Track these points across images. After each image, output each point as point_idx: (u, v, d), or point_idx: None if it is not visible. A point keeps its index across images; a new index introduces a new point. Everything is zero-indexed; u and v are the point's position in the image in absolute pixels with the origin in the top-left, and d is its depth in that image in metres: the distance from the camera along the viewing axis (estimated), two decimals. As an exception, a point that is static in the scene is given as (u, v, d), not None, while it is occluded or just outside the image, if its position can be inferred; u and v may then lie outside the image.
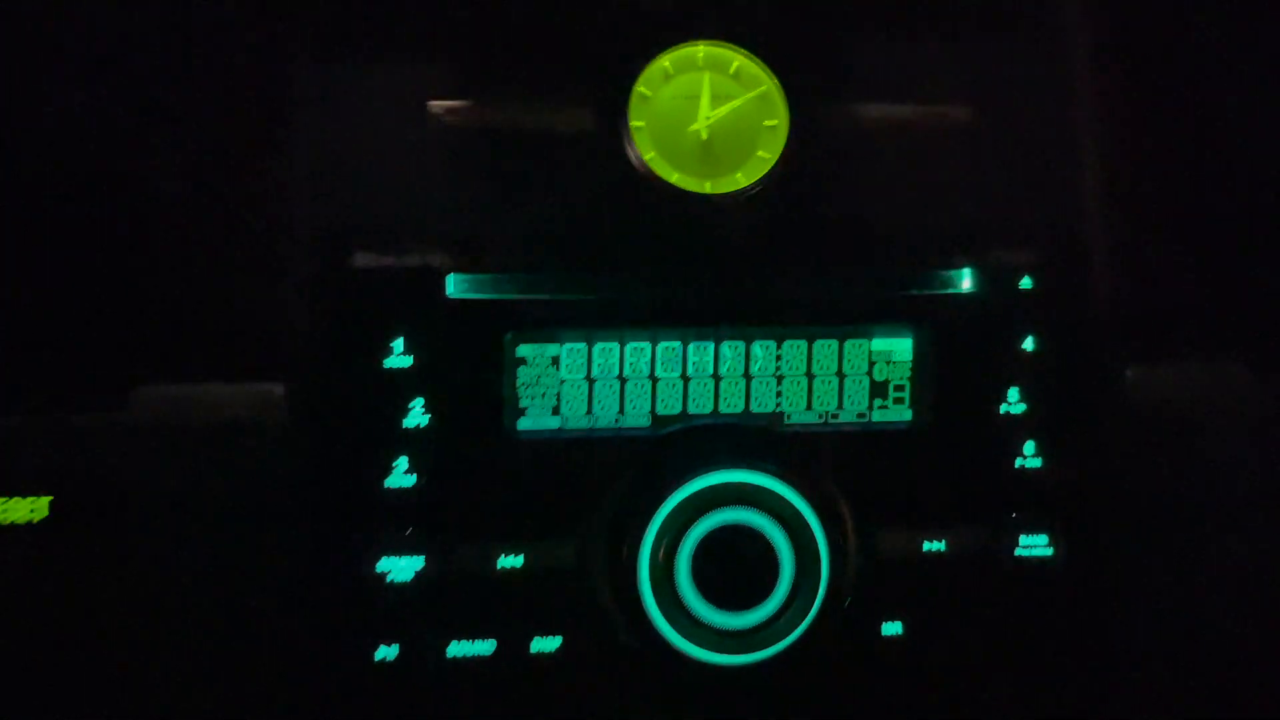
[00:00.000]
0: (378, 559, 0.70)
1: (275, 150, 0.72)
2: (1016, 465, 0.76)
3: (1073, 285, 0.76)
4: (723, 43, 0.76)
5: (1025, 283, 0.75)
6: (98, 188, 0.72)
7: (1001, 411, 0.76)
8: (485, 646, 0.72)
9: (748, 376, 0.75)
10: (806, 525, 0.70)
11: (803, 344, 0.75)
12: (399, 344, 0.71)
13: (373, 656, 0.71)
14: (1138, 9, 0.79)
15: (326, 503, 0.71)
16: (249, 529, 0.70)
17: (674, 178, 0.74)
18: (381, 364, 0.71)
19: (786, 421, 0.75)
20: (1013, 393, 0.75)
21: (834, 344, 0.75)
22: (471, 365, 0.72)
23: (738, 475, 0.70)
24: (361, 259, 0.71)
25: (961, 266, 0.76)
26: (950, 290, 0.76)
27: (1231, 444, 0.77)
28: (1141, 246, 0.77)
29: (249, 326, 0.71)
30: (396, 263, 0.71)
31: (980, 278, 0.75)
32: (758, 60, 0.76)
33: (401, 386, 0.71)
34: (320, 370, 0.71)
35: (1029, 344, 0.75)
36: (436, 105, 0.73)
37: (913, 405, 0.75)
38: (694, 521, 0.69)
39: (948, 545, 0.75)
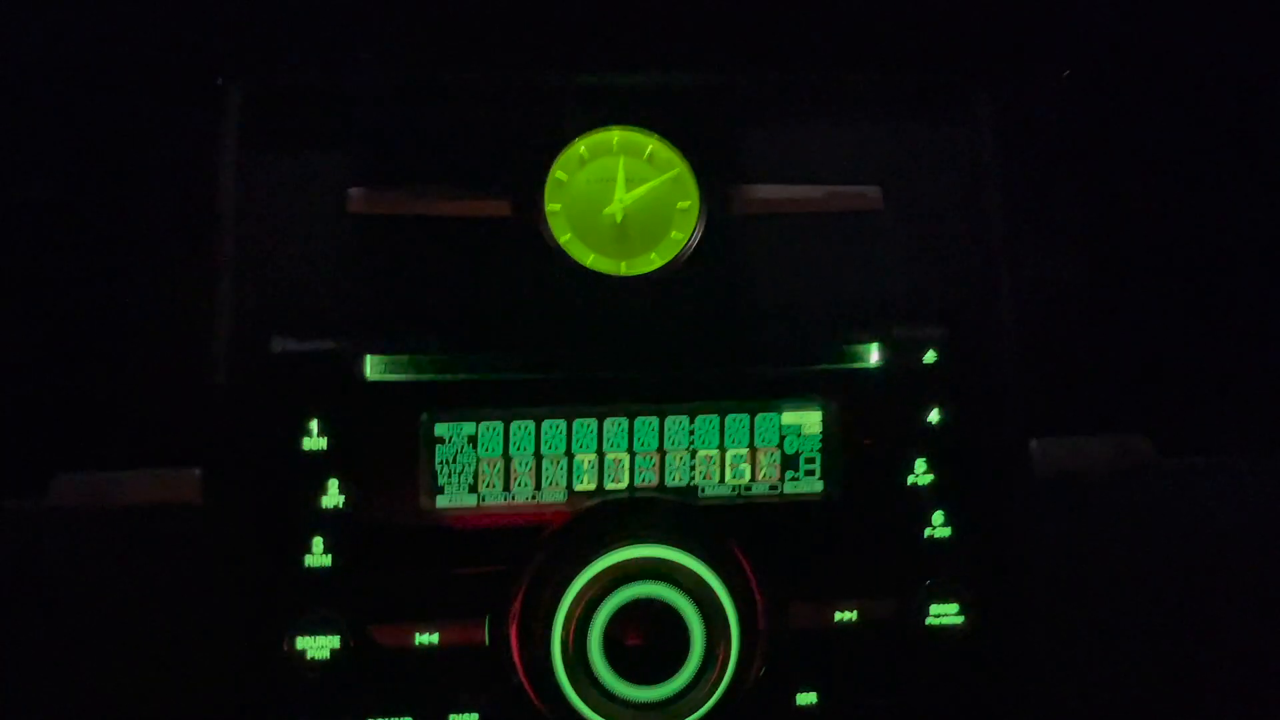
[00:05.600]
0: (296, 637, 0.72)
1: (196, 239, 0.74)
2: (925, 535, 0.78)
3: (976, 359, 0.78)
4: (637, 128, 0.78)
5: (930, 357, 0.78)
6: (17, 274, 0.74)
7: (909, 482, 0.78)
8: None
9: (661, 451, 0.77)
10: (715, 598, 0.71)
11: (715, 418, 0.77)
12: (315, 426, 0.72)
13: None
14: (1036, 94, 0.82)
15: (245, 582, 0.72)
16: (169, 609, 0.72)
17: (589, 259, 0.77)
18: (299, 446, 0.72)
19: (701, 495, 0.77)
20: (920, 464, 0.78)
21: (745, 418, 0.77)
22: (389, 445, 0.74)
23: (646, 550, 0.72)
24: (279, 343, 0.73)
25: (868, 342, 0.78)
26: (858, 365, 0.78)
27: (1132, 509, 0.78)
28: (1043, 320, 0.80)
29: (169, 411, 0.73)
30: (314, 346, 0.73)
31: (886, 353, 0.78)
32: (670, 144, 0.78)
33: (319, 467, 0.72)
34: (240, 453, 0.72)
35: (934, 416, 0.78)
36: (355, 192, 0.75)
37: (823, 477, 0.77)
38: (605, 597, 0.71)
39: (859, 615, 0.77)
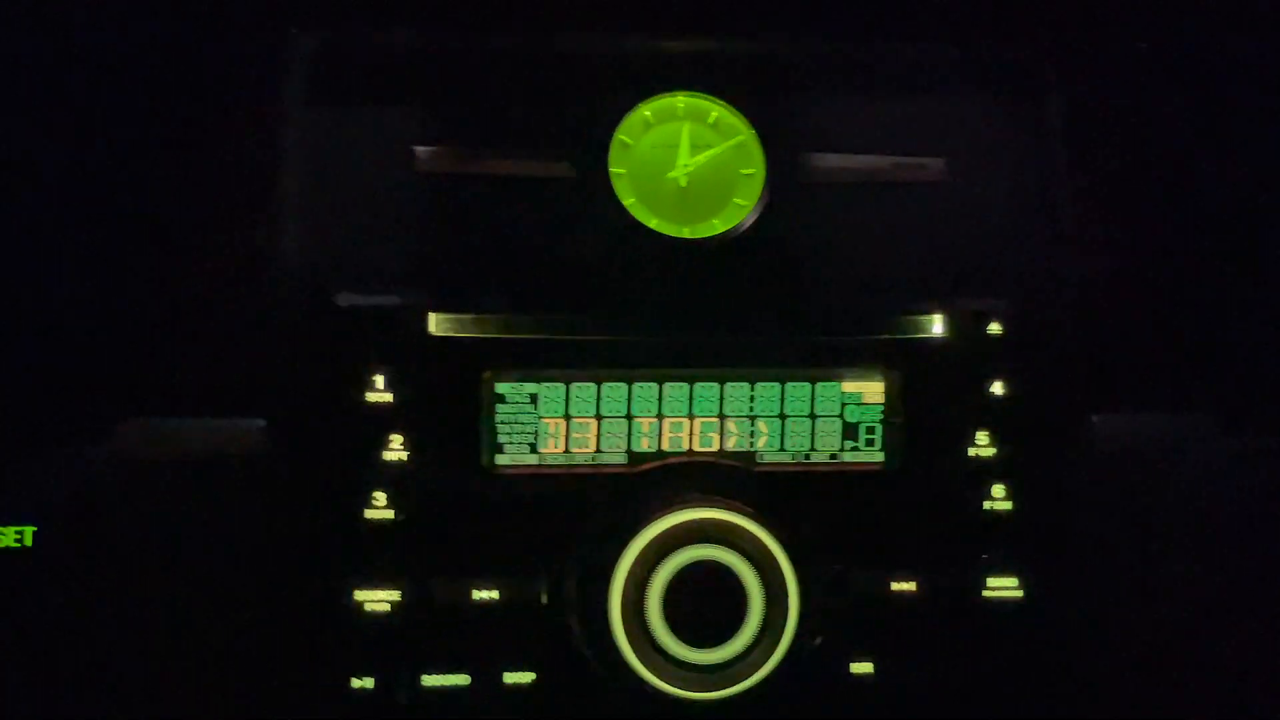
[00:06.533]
0: (355, 590, 0.72)
1: (263, 192, 0.74)
2: (985, 507, 0.77)
3: (1040, 331, 0.78)
4: (702, 94, 0.78)
5: (994, 329, 0.77)
6: (87, 225, 0.74)
7: (970, 454, 0.77)
8: (460, 679, 0.73)
9: (721, 416, 0.76)
10: (775, 563, 0.71)
11: (776, 385, 0.76)
12: (380, 380, 0.73)
13: (349, 686, 0.73)
14: (1102, 68, 0.81)
15: (306, 534, 0.72)
16: (230, 558, 0.72)
17: (653, 223, 0.77)
18: (363, 399, 0.72)
19: (760, 461, 0.76)
20: (981, 436, 0.77)
21: (806, 386, 0.77)
22: (451, 401, 0.74)
23: (706, 512, 0.71)
24: (345, 297, 0.73)
25: (932, 312, 0.77)
26: (921, 335, 0.77)
27: (1194, 488, 0.78)
28: (1108, 294, 0.79)
29: (234, 362, 0.73)
30: (380, 301, 0.73)
31: (950, 323, 0.77)
32: (736, 111, 0.78)
33: (382, 421, 0.73)
34: (303, 404, 0.72)
35: (997, 388, 0.77)
36: (422, 150, 0.75)
37: (884, 447, 0.77)
38: (665, 558, 0.71)
39: (917, 585, 0.76)
